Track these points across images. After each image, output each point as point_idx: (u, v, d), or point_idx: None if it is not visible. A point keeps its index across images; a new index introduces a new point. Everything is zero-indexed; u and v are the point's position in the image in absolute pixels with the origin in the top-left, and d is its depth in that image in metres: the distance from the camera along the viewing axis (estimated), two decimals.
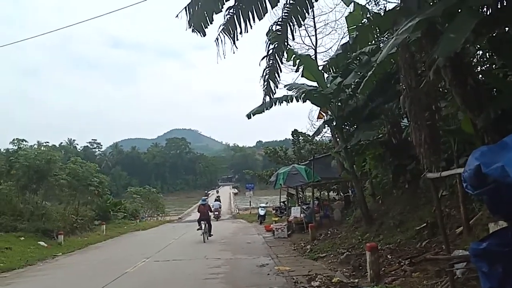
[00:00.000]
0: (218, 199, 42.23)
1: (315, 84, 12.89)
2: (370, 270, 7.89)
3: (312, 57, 16.48)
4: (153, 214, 41.80)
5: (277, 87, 8.79)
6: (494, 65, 7.89)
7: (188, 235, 22.58)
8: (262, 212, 27.61)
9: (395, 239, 9.92)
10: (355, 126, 13.54)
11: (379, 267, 7.92)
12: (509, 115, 5.98)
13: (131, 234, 26.47)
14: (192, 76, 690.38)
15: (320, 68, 12.71)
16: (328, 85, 12.65)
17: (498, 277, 2.73)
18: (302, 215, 18.41)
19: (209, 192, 69.69)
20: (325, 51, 21.52)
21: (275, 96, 10.26)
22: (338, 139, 14.40)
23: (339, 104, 13.03)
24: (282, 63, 8.60)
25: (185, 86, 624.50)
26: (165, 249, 16.18)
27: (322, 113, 17.05)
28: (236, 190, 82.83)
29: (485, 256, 2.83)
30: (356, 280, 8.16)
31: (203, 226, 18.16)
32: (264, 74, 8.50)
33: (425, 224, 9.12)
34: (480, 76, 7.79)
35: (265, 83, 8.59)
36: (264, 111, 12.77)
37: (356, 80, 11.18)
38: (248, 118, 12.95)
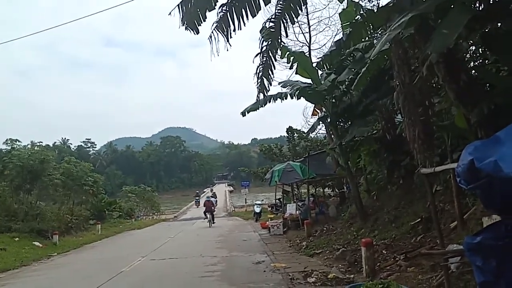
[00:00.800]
0: (214, 195, 42.35)
1: (309, 81, 12.89)
2: (365, 265, 7.94)
3: (306, 54, 16.48)
4: (148, 213, 41.64)
5: (271, 84, 8.82)
6: (487, 61, 7.93)
7: (184, 233, 22.58)
8: (257, 210, 27.57)
9: (390, 235, 9.96)
10: (349, 123, 13.56)
11: (374, 262, 7.96)
12: (502, 110, 6.01)
13: (126, 233, 26.37)
14: (187, 74, 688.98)
15: (314, 65, 12.70)
16: (322, 82, 12.65)
17: (492, 270, 2.75)
18: (297, 212, 18.44)
19: (204, 190, 69.23)
20: (319, 48, 21.69)
21: (269, 93, 10.27)
22: (332, 136, 14.44)
23: (333, 100, 13.04)
24: (276, 60, 8.62)
25: (179, 84, 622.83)
26: (161, 248, 16.15)
27: (317, 110, 17.04)
28: (231, 188, 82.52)
29: (479, 250, 2.85)
30: (352, 276, 8.22)
31: (208, 216, 25.06)
32: (258, 71, 8.50)
33: (419, 219, 9.17)
34: (473, 71, 7.82)
35: (259, 80, 8.60)
36: (258, 109, 12.74)
37: (350, 77, 11.19)
38: (243, 116, 12.92)
